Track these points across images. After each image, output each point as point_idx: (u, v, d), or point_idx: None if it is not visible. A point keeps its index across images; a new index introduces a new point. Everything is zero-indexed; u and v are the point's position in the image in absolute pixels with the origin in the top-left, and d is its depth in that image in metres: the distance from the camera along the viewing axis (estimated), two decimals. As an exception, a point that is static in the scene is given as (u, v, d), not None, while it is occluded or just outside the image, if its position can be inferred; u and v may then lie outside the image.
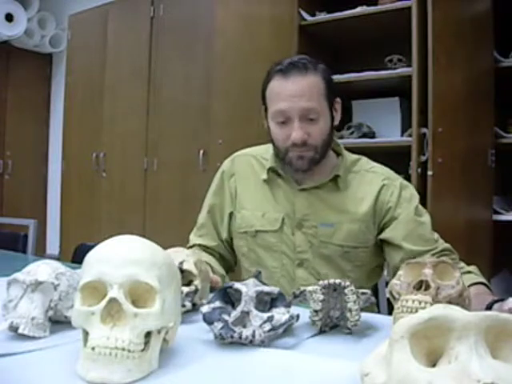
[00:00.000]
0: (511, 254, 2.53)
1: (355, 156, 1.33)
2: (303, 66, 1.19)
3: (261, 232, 1.28)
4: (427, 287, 0.76)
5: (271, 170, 1.30)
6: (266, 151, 1.34)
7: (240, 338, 0.69)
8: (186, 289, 0.86)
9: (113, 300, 0.59)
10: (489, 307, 0.89)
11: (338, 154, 1.31)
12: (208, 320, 0.72)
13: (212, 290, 0.96)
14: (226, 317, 0.72)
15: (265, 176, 1.30)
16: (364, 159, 1.33)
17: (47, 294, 0.76)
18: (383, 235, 1.23)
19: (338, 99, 1.26)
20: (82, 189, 3.28)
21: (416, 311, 0.72)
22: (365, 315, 0.83)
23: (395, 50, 2.46)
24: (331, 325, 0.82)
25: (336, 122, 1.26)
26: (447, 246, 1.22)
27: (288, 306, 0.77)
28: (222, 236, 1.35)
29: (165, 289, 0.62)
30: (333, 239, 1.23)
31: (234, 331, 0.70)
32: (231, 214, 1.34)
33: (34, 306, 0.74)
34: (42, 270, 0.77)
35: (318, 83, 1.19)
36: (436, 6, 2.15)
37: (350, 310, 0.77)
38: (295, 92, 1.16)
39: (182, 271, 0.87)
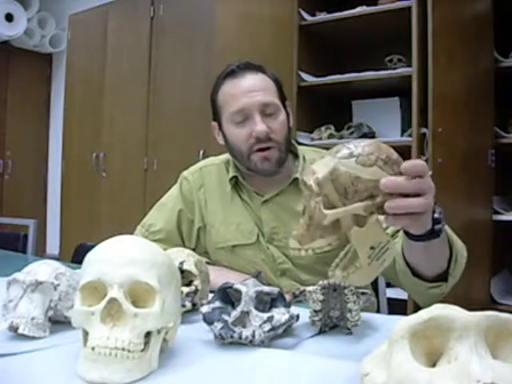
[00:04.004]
0: (511, 253, 2.53)
1: (315, 153, 1.29)
2: (253, 67, 1.20)
3: (237, 246, 1.24)
4: None
5: (235, 178, 1.26)
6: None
7: (240, 338, 0.69)
8: (186, 289, 0.86)
9: (113, 300, 0.59)
10: None
11: (297, 156, 1.27)
12: (208, 320, 0.72)
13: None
14: (225, 317, 0.72)
15: (229, 187, 1.26)
16: (323, 153, 1.28)
17: (47, 293, 0.76)
18: None
19: (289, 102, 1.26)
20: (82, 189, 3.29)
21: None
22: (365, 315, 0.83)
23: (395, 50, 2.47)
24: (331, 325, 0.82)
25: (290, 124, 1.24)
26: None
27: (288, 306, 0.77)
28: (187, 246, 1.28)
29: (165, 289, 0.62)
30: None
31: (234, 331, 0.70)
32: (200, 230, 1.30)
33: (34, 306, 0.74)
34: (42, 269, 0.77)
35: (269, 82, 1.20)
36: (436, 5, 2.15)
37: (350, 310, 0.77)
38: (251, 87, 1.16)
39: (182, 271, 0.87)
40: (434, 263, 0.90)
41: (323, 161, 0.68)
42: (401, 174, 0.67)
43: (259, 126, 1.14)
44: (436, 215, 0.78)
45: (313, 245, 0.70)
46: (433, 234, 0.78)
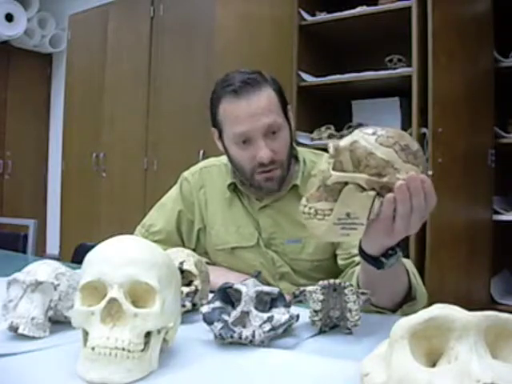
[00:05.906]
0: (511, 253, 2.53)
1: (314, 156, 1.27)
2: (254, 82, 1.13)
3: (237, 249, 1.24)
4: None
5: (233, 185, 1.25)
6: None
7: (240, 338, 0.69)
8: (186, 289, 0.86)
9: (113, 300, 0.59)
10: None
11: (297, 160, 1.26)
12: (208, 320, 0.72)
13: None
14: (225, 317, 0.72)
15: (228, 193, 1.26)
16: (325, 156, 1.26)
17: (47, 293, 0.76)
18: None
19: (289, 106, 1.23)
20: (82, 189, 3.28)
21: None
22: (365, 315, 0.83)
23: (395, 50, 2.46)
24: (331, 325, 0.82)
25: (292, 127, 1.21)
26: None
27: (288, 306, 0.77)
28: (187, 246, 1.27)
29: (165, 289, 0.62)
30: (302, 255, 1.20)
31: (234, 331, 0.70)
32: (200, 231, 1.30)
33: (34, 306, 0.74)
34: (42, 269, 0.77)
35: (272, 96, 1.15)
36: (436, 5, 2.15)
37: (350, 310, 0.77)
38: (254, 111, 1.11)
39: (182, 271, 0.87)
40: (380, 295, 0.90)
41: (352, 133, 0.75)
42: (415, 165, 0.73)
43: (263, 151, 1.11)
44: (390, 251, 0.82)
45: (316, 205, 0.75)
46: (377, 260, 0.82)
